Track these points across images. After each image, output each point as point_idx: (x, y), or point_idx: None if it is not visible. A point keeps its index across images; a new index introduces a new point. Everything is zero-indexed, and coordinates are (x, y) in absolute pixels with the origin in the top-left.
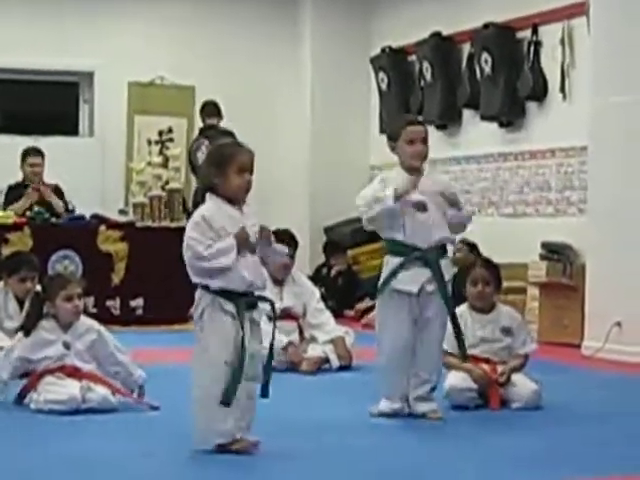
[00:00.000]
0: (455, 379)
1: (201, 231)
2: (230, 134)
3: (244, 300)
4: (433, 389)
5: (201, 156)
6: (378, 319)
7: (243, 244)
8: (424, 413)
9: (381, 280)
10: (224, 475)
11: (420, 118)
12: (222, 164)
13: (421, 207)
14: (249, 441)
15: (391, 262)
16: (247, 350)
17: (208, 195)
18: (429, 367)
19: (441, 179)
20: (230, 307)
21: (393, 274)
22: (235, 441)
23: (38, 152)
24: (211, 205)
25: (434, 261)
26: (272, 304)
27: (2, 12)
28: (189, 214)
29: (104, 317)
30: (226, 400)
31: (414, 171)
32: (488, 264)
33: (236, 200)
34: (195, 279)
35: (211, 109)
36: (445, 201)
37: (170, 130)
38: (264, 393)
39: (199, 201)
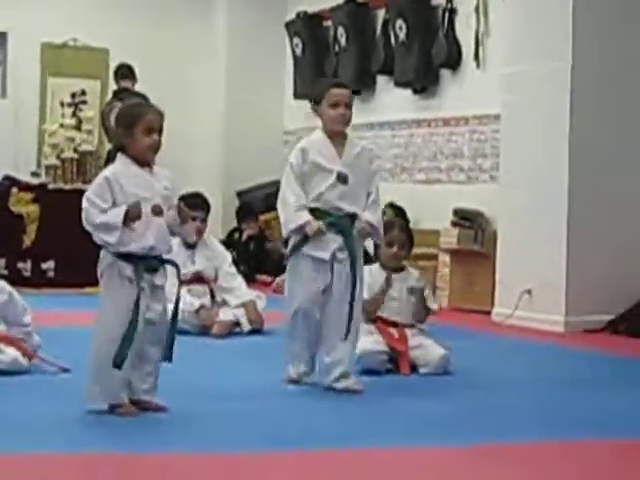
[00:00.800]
0: (367, 343)
1: (99, 192)
2: (143, 97)
3: (143, 263)
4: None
5: (114, 119)
6: (288, 284)
7: (133, 218)
8: (345, 388)
9: (291, 244)
10: (119, 436)
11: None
12: (130, 124)
13: (343, 179)
14: (145, 405)
15: None
16: (144, 314)
17: (118, 155)
18: (341, 340)
19: (366, 152)
20: (128, 270)
21: (305, 239)
22: (122, 404)
23: None
24: (118, 165)
25: (348, 229)
26: (177, 267)
27: None
28: None
29: (15, 279)
30: (117, 363)
31: (336, 135)
32: (406, 228)
33: (144, 160)
34: (97, 240)
35: (125, 72)
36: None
37: (83, 92)
38: (166, 357)
39: (111, 163)
